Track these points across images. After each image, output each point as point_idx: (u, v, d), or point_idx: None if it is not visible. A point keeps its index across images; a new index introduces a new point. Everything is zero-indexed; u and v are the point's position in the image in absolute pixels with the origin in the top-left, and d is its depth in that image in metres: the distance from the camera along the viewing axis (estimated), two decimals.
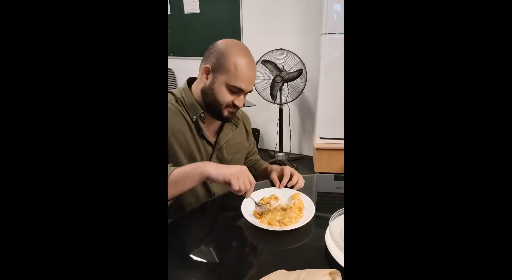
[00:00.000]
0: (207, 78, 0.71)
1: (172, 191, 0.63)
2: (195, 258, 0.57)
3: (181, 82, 2.88)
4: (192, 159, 0.75)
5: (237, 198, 0.68)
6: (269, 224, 0.64)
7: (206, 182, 0.79)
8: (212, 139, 0.79)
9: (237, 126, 0.84)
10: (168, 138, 0.71)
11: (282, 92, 2.14)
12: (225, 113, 0.72)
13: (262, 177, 0.88)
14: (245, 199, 0.68)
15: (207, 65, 0.70)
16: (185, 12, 2.59)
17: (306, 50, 2.19)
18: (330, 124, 2.03)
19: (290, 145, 2.49)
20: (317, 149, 2.07)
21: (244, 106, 2.20)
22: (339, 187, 0.85)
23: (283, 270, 0.48)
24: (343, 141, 2.02)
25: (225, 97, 0.70)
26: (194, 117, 0.73)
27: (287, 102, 2.20)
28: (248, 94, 0.74)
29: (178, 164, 0.72)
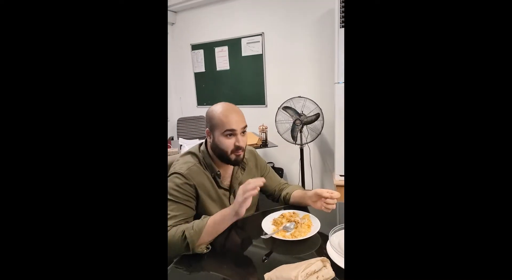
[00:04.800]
0: (210, 138, 0.93)
1: (209, 238, 0.80)
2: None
3: None
4: (217, 204, 0.95)
5: (256, 221, 0.86)
6: (283, 236, 0.81)
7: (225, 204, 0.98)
8: (227, 184, 0.99)
9: (244, 169, 1.02)
10: (200, 192, 0.91)
11: (302, 134, 2.37)
12: (233, 157, 0.90)
13: (298, 201, 1.02)
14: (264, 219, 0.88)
15: (207, 129, 0.93)
16: (217, 69, 3.04)
17: (322, 96, 2.46)
18: None
19: (312, 183, 2.63)
20: (337, 186, 2.19)
21: (268, 146, 2.41)
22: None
23: (284, 265, 0.63)
24: None
25: (225, 143, 0.89)
26: (212, 174, 0.94)
27: (307, 143, 2.41)
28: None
29: (208, 210, 0.92)
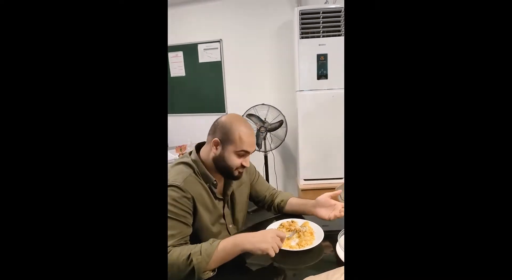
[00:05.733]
0: (217, 149, 0.87)
1: (215, 265, 0.73)
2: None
3: (169, 135, 3.04)
4: (212, 214, 0.89)
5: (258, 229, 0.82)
6: (290, 247, 0.79)
7: (222, 217, 0.93)
8: (220, 193, 0.94)
9: None
10: (197, 205, 0.84)
11: (266, 141, 2.39)
12: (236, 173, 0.89)
13: (296, 209, 1.00)
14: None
15: (216, 138, 0.86)
16: (171, 75, 2.88)
17: (283, 104, 2.52)
18: (311, 167, 2.26)
19: (276, 188, 2.66)
20: (302, 190, 2.26)
21: None
22: (326, 225, 0.92)
23: (311, 276, 0.62)
24: (325, 181, 2.25)
25: (235, 161, 0.86)
26: (208, 184, 0.89)
27: (271, 150, 2.43)
28: None
29: (202, 221, 0.85)
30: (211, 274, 0.71)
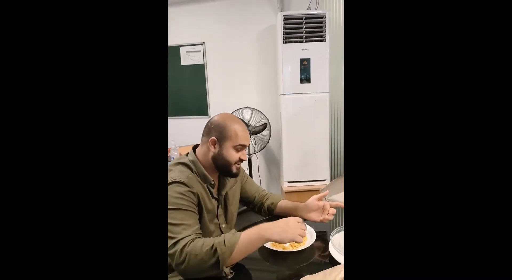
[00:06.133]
0: (215, 147, 0.89)
1: (239, 257, 0.73)
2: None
3: None
4: (210, 215, 0.90)
5: None
6: (283, 248, 0.80)
7: (216, 217, 0.94)
8: (216, 194, 0.95)
9: (229, 178, 1.00)
10: (200, 202, 0.85)
11: (250, 144, 2.40)
12: (234, 170, 0.90)
13: (286, 212, 1.02)
14: None
15: (213, 137, 0.88)
16: None
17: (268, 107, 2.55)
18: (294, 169, 2.29)
19: None
20: (286, 192, 2.29)
21: None
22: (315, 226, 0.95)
23: (307, 276, 0.64)
24: (308, 183, 2.29)
25: (233, 156, 0.88)
26: (206, 184, 0.90)
27: (255, 152, 2.44)
28: None
29: (204, 222, 0.86)
30: (230, 275, 0.71)
